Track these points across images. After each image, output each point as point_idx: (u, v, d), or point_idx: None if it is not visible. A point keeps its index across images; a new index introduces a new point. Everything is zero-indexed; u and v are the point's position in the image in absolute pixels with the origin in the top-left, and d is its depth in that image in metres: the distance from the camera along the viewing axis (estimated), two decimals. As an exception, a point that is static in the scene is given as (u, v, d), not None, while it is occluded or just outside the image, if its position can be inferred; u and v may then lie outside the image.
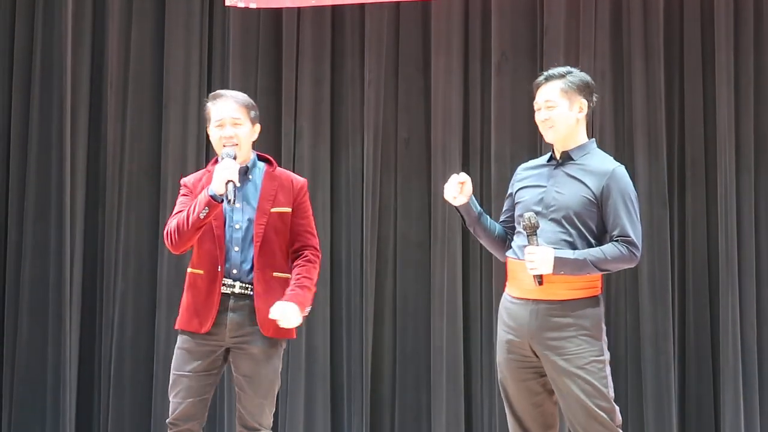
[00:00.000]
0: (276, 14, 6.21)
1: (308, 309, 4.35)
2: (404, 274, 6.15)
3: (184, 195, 4.43)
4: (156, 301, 6.17)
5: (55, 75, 6.25)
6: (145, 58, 6.36)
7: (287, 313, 4.19)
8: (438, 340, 6.01)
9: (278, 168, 4.46)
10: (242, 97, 4.46)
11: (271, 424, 4.38)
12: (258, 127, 4.48)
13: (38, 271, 6.19)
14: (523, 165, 4.37)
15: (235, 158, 4.26)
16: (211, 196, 4.15)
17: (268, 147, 5.85)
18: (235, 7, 6.01)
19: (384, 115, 6.18)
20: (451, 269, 6.01)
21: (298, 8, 6.10)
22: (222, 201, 4.17)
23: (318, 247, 4.44)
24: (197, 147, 6.23)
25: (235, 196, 4.16)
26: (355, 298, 6.13)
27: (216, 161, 4.43)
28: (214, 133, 4.40)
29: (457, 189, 4.15)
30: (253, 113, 4.44)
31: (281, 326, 4.24)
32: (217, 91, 4.51)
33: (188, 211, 4.26)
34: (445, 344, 6.00)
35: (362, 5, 6.11)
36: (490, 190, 6.04)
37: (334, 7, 6.14)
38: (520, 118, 6.02)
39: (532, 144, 5.96)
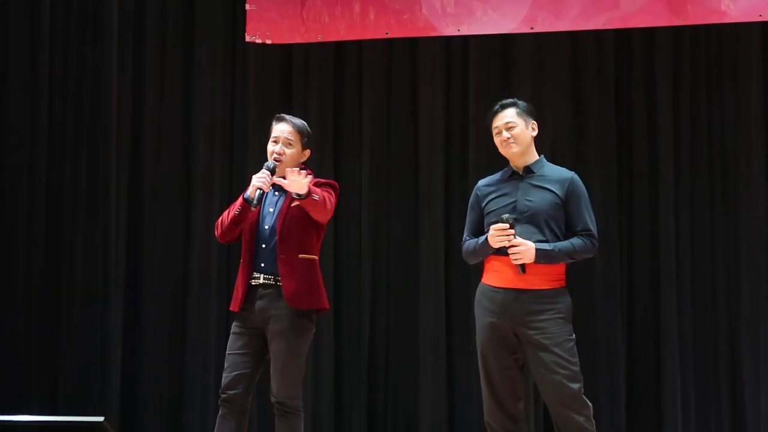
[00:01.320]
0: (288, 49, 6.39)
1: (315, 196, 4.35)
2: (396, 268, 6.32)
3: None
4: (187, 290, 6.39)
5: (102, 100, 6.49)
6: (177, 87, 6.55)
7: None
8: (424, 322, 6.21)
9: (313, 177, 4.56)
10: (300, 124, 4.65)
11: (291, 396, 4.51)
12: (308, 152, 4.66)
13: (88, 263, 6.41)
14: (482, 183, 4.62)
15: (273, 171, 4.48)
16: (244, 199, 4.44)
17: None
18: (254, 43, 6.25)
19: (379, 135, 6.39)
20: (434, 263, 6.23)
21: (307, 44, 6.28)
22: (252, 203, 4.40)
23: (333, 202, 4.53)
24: (221, 161, 6.44)
25: (259, 201, 4.41)
26: (355, 288, 6.30)
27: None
28: (269, 147, 4.60)
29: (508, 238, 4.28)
30: (305, 140, 4.65)
31: (289, 180, 4.26)
32: (282, 114, 4.72)
33: (229, 208, 4.57)
34: (430, 325, 6.20)
35: (360, 42, 6.30)
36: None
37: (337, 43, 6.32)
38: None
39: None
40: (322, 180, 4.70)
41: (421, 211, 6.35)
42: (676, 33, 6.13)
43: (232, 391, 4.54)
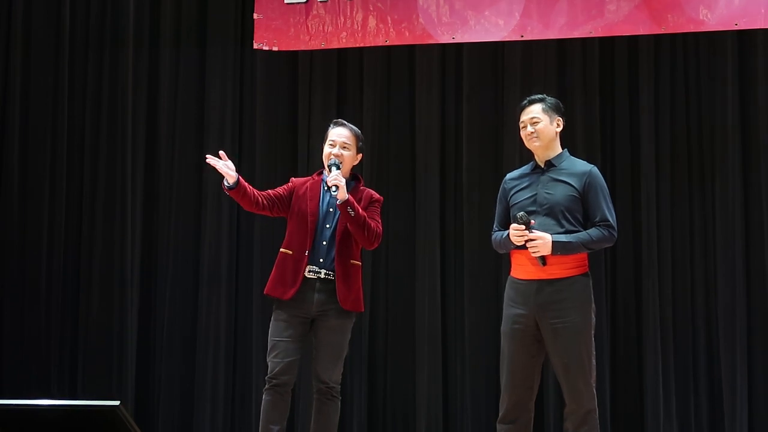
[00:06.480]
0: (293, 55, 6.52)
1: (350, 210, 4.58)
2: (395, 260, 6.44)
3: (287, 184, 4.88)
4: (199, 280, 6.51)
5: (119, 103, 6.64)
6: (191, 91, 6.67)
7: (340, 182, 4.55)
8: (421, 310, 6.33)
9: (363, 186, 4.88)
10: (355, 129, 4.87)
11: (339, 381, 4.75)
12: (360, 156, 4.87)
13: (107, 256, 6.54)
14: (509, 175, 4.67)
15: (339, 167, 4.69)
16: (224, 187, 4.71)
17: (288, 162, 6.43)
18: (261, 50, 6.39)
19: (379, 134, 6.49)
20: (430, 255, 6.36)
21: (311, 50, 6.41)
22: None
23: (380, 227, 4.74)
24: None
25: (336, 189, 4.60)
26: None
27: (320, 173, 4.86)
28: (326, 149, 4.79)
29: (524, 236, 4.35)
30: (360, 144, 4.86)
31: (332, 183, 4.50)
32: (339, 119, 4.94)
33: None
34: (426, 313, 6.32)
35: (361, 48, 6.43)
36: (462, 194, 6.36)
37: (339, 49, 6.45)
38: (485, 137, 6.37)
39: (495, 157, 6.33)
40: (375, 197, 4.88)
41: (418, 205, 6.45)
42: (657, 40, 6.24)
43: (284, 377, 4.68)
